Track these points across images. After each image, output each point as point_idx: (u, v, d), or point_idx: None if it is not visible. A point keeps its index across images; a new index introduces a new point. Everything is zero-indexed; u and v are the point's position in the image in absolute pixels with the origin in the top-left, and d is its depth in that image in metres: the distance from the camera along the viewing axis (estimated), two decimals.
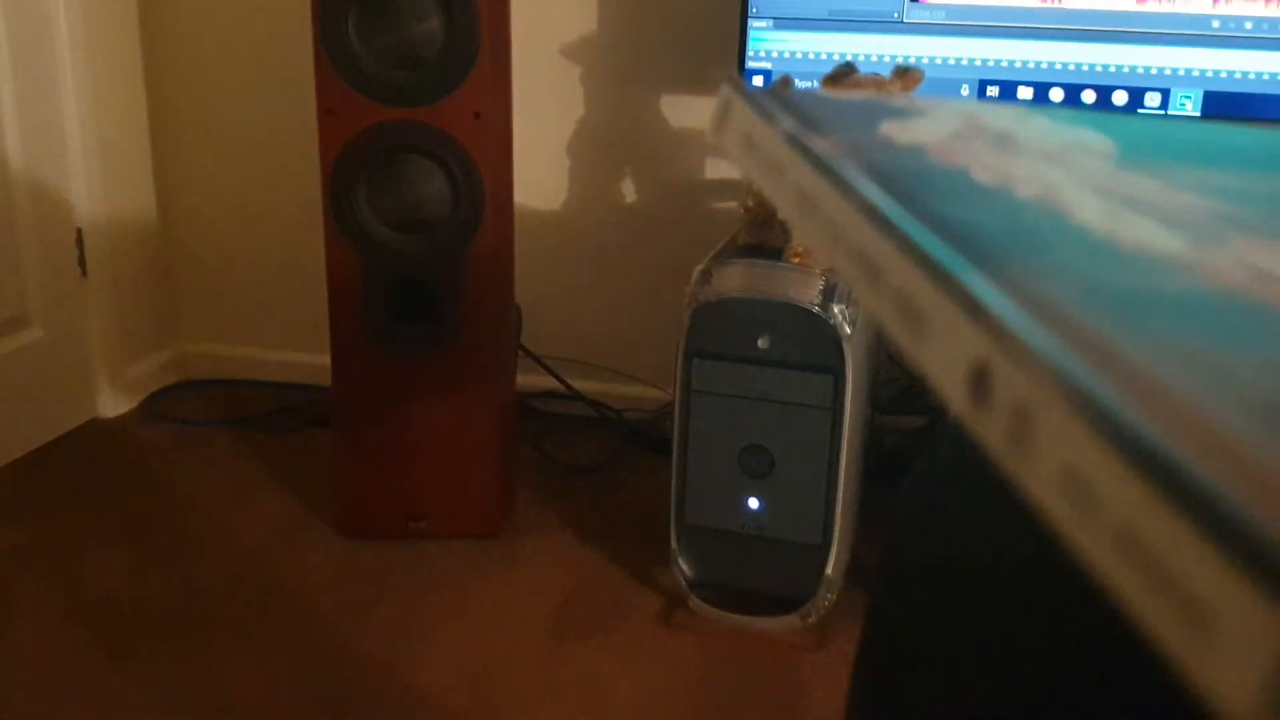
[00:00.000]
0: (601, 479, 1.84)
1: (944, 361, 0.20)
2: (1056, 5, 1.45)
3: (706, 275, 1.39)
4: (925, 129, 0.30)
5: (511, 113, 1.59)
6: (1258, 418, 0.16)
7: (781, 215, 0.28)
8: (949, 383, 0.19)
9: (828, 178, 0.25)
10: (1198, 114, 1.45)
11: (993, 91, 1.50)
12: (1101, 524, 0.16)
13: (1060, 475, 0.16)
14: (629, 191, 1.99)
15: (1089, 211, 0.24)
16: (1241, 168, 0.30)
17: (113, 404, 2.04)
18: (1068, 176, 0.27)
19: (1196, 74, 1.44)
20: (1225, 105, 1.44)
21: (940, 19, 1.49)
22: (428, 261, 1.50)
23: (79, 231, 1.93)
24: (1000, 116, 0.32)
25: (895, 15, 1.51)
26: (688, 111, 1.92)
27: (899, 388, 1.80)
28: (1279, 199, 0.27)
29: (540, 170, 1.99)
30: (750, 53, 1.57)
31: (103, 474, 1.82)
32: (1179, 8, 1.42)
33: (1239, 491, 0.14)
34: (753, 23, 1.55)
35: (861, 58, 1.52)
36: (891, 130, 0.29)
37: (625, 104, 1.94)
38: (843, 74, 1.37)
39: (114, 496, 1.74)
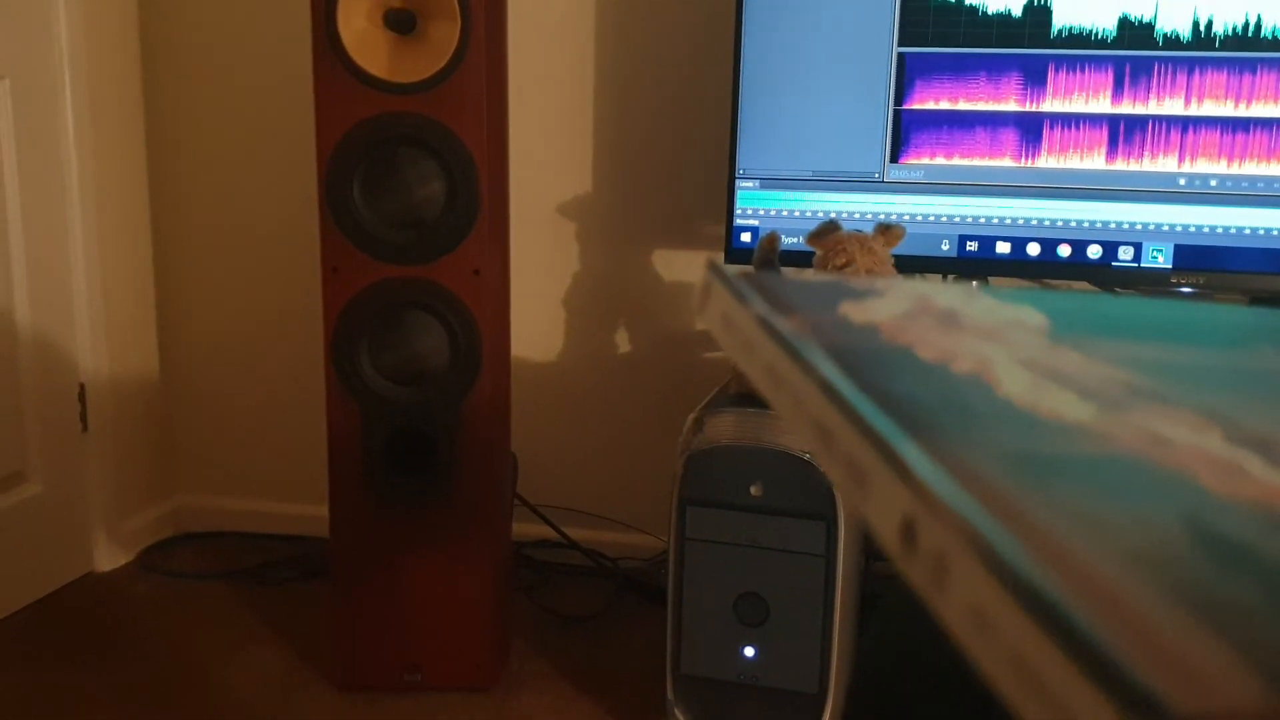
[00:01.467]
0: (597, 628, 1.83)
1: (882, 515, 0.23)
2: (1030, 165, 1.52)
3: (699, 424, 1.42)
4: (880, 309, 0.33)
5: (509, 269, 1.65)
6: (1128, 565, 0.19)
7: (755, 387, 0.31)
8: (886, 532, 0.22)
9: (791, 356, 0.28)
10: (1169, 266, 1.51)
11: (972, 246, 1.56)
12: (999, 651, 0.19)
13: (968, 611, 0.19)
14: (622, 342, 2.04)
15: (1015, 385, 0.28)
16: (1157, 340, 0.33)
17: (109, 558, 2.04)
18: (1001, 352, 0.30)
19: (1166, 228, 1.50)
20: (1195, 258, 1.50)
21: (919, 178, 1.56)
22: (426, 413, 1.53)
23: (81, 387, 1.97)
24: (948, 296, 0.35)
25: (876, 175, 1.58)
26: (679, 266, 1.98)
27: None
28: (1183, 369, 0.30)
29: (537, 323, 2.04)
30: (738, 211, 1.63)
31: (97, 629, 1.81)
32: (1147, 167, 1.49)
33: (1107, 629, 0.17)
34: (740, 183, 1.62)
35: (845, 215, 1.59)
36: (850, 310, 0.33)
37: (619, 259, 2.00)
38: (827, 230, 1.43)
39: (107, 652, 1.73)
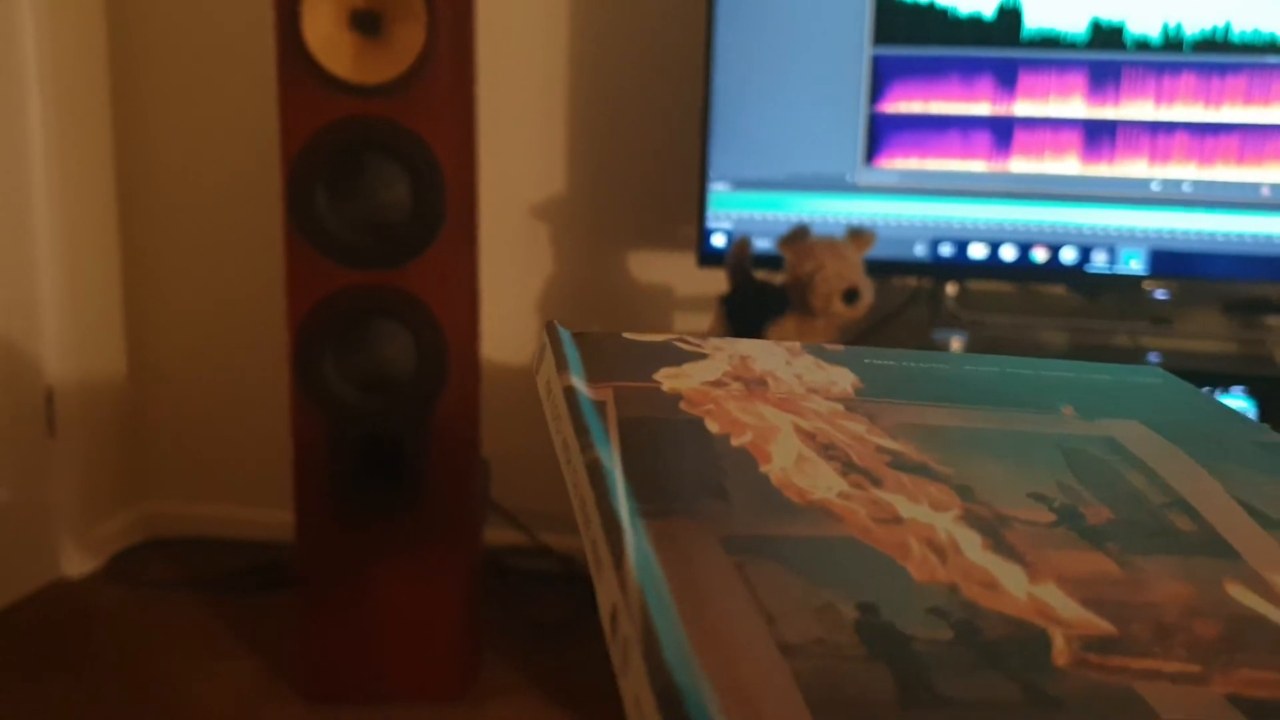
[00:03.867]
0: (569, 636, 1.81)
1: (602, 600, 0.23)
2: (1003, 169, 1.51)
3: None
4: (695, 374, 0.33)
5: (478, 273, 1.63)
6: (781, 662, 0.20)
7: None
8: (604, 616, 0.23)
9: (577, 432, 0.29)
10: (1145, 272, 1.50)
11: (946, 250, 1.55)
12: None
13: (633, 701, 0.20)
14: None
15: (782, 460, 0.28)
16: (962, 403, 0.33)
17: (77, 564, 2.02)
18: (789, 423, 0.31)
19: (1140, 234, 1.49)
20: (1170, 264, 1.49)
21: (893, 181, 1.55)
22: (394, 420, 1.51)
23: (49, 391, 1.94)
24: (768, 359, 0.36)
25: (849, 178, 1.56)
26: (655, 268, 1.96)
27: None
28: (966, 437, 0.30)
29: (511, 326, 2.02)
30: (710, 214, 1.62)
31: (63, 637, 1.79)
32: (1119, 171, 1.48)
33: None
34: (712, 185, 1.61)
35: (818, 219, 1.57)
36: (663, 376, 0.33)
37: (594, 261, 1.99)
38: (797, 236, 1.42)
39: (73, 661, 1.71)
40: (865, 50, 1.52)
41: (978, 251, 1.54)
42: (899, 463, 0.28)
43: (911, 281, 1.78)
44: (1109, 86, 1.47)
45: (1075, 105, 1.48)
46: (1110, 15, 1.46)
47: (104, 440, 2.08)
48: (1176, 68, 1.45)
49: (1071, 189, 1.50)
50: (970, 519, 0.25)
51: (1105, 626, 0.21)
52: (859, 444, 0.29)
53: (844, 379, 0.33)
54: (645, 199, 1.93)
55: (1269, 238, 1.46)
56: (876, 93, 1.53)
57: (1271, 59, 1.43)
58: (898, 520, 0.25)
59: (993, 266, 1.55)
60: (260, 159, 2.01)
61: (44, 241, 1.91)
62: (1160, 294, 1.52)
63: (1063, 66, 1.48)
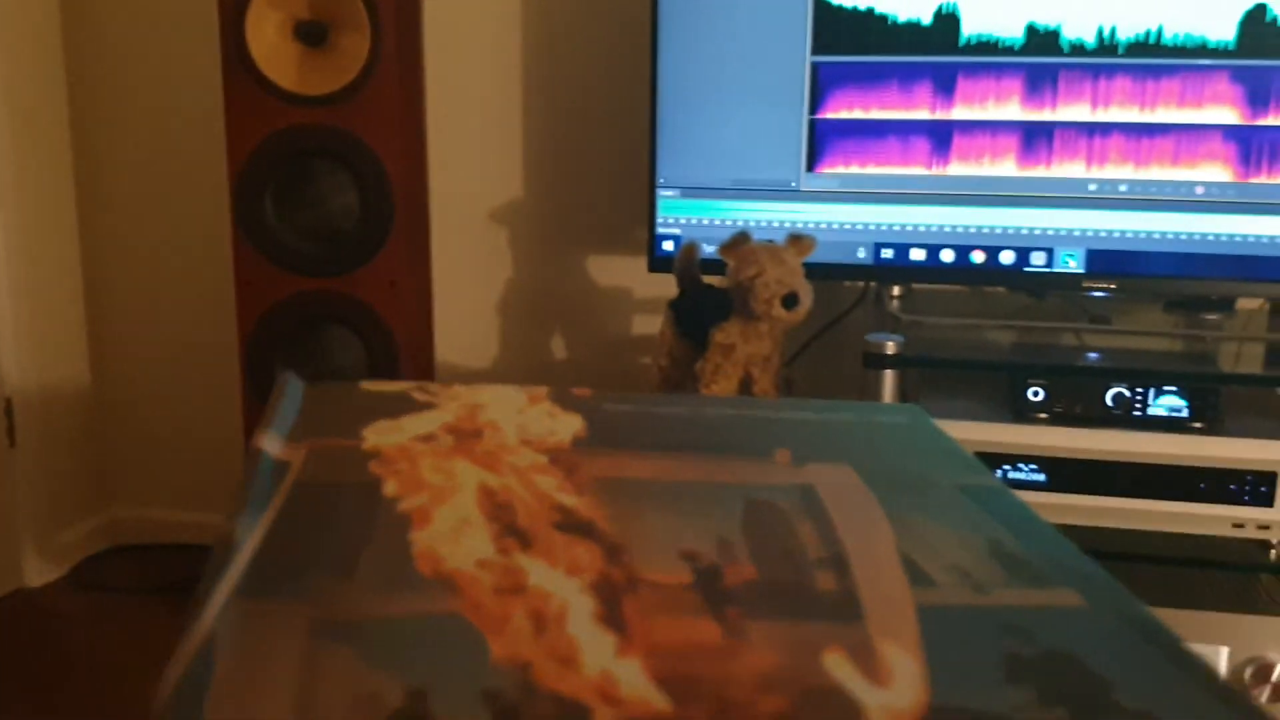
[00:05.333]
0: None
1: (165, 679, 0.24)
2: (942, 173, 1.53)
3: None
4: (408, 429, 0.34)
5: (430, 278, 1.65)
6: None
7: None
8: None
9: (236, 502, 0.30)
10: (1082, 271, 1.52)
11: (887, 253, 1.57)
12: None
13: None
14: (559, 348, 2.04)
15: (442, 522, 0.29)
16: (679, 449, 0.34)
17: (40, 572, 2.03)
18: (478, 479, 0.31)
19: (1078, 234, 1.52)
20: (1107, 262, 1.52)
21: (835, 187, 1.57)
22: None
23: (8, 401, 1.95)
24: (499, 409, 0.36)
25: (793, 184, 1.58)
26: (614, 270, 1.98)
27: None
28: (654, 491, 0.31)
29: (471, 331, 2.04)
30: (660, 220, 1.64)
31: (24, 646, 1.80)
32: (1056, 172, 1.51)
33: None
34: (661, 192, 1.63)
35: (763, 224, 1.59)
36: (373, 432, 0.33)
37: (552, 265, 2.01)
38: (738, 242, 1.44)
39: (34, 671, 1.72)
40: (805, 58, 1.54)
41: (918, 255, 1.57)
42: (566, 522, 0.29)
43: (859, 284, 1.80)
44: (1046, 90, 1.50)
45: (1012, 109, 1.50)
46: (1046, 20, 1.48)
47: (67, 448, 2.09)
48: (1111, 71, 1.48)
49: (1009, 191, 1.52)
50: (599, 585, 0.26)
51: (660, 706, 0.22)
52: (537, 502, 0.30)
53: (569, 428, 0.34)
54: (601, 204, 1.95)
55: (1204, 236, 1.49)
56: (817, 100, 1.55)
57: (1203, 61, 1.46)
58: (519, 590, 0.26)
59: (933, 269, 1.57)
60: (216, 168, 2.02)
61: (2, 251, 1.92)
62: (1098, 293, 1.54)
63: (1000, 71, 1.50)
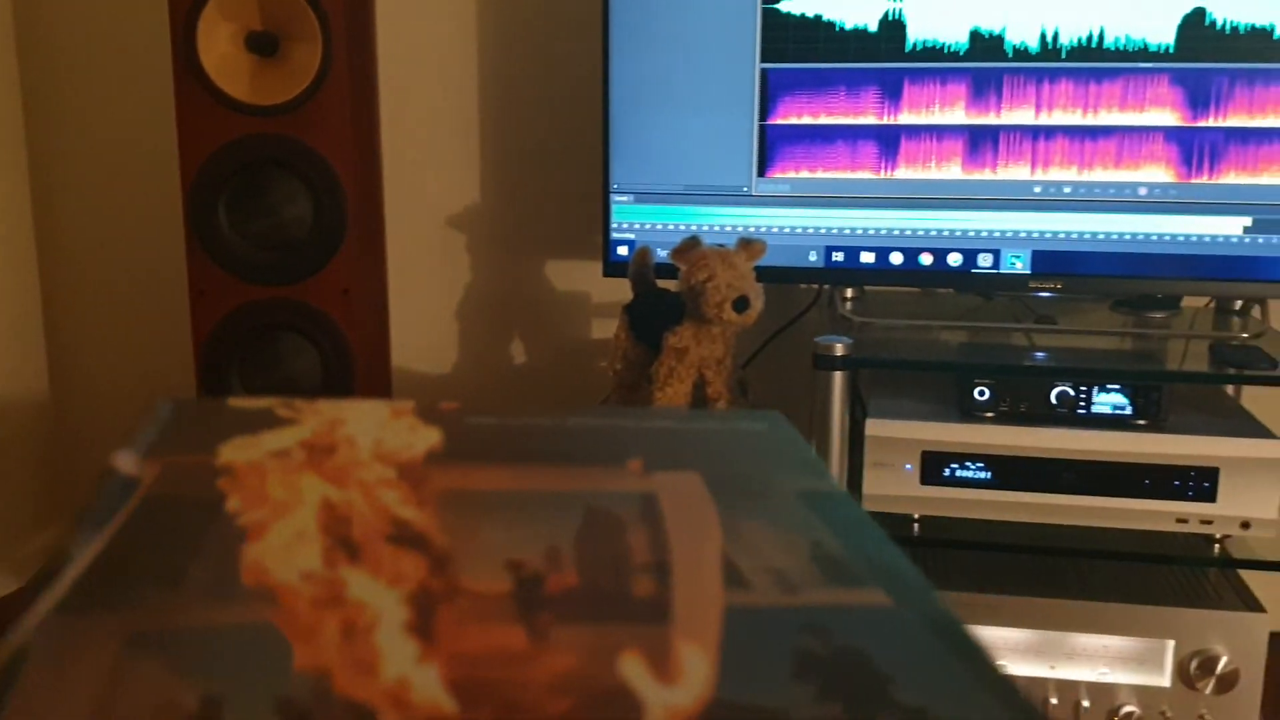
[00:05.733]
0: None
1: None
2: (890, 176, 1.56)
3: None
4: (264, 444, 0.35)
5: (386, 285, 1.65)
6: None
7: None
8: None
9: (76, 520, 0.31)
10: (1027, 272, 1.55)
11: (838, 257, 1.59)
12: None
13: None
14: (518, 354, 2.05)
15: (277, 536, 0.30)
16: (536, 461, 0.35)
17: (1, 583, 2.02)
18: (322, 494, 0.32)
19: (1024, 235, 1.54)
20: (1052, 263, 1.54)
21: (786, 191, 1.59)
22: None
23: None
24: (365, 422, 0.37)
25: (744, 189, 1.60)
26: (572, 275, 2.00)
27: None
28: (495, 502, 0.32)
29: (428, 337, 2.05)
30: (614, 225, 1.65)
31: None
32: (1002, 175, 1.53)
33: None
34: (614, 198, 1.64)
35: (716, 228, 1.61)
36: (230, 448, 0.34)
37: (511, 270, 2.02)
38: (689, 246, 1.45)
39: None
40: (755, 65, 1.56)
41: (868, 257, 1.59)
42: (399, 534, 0.30)
43: (813, 287, 1.82)
44: (990, 94, 1.52)
45: (958, 113, 1.53)
46: (990, 25, 1.51)
47: (26, 457, 2.09)
48: (1054, 75, 1.50)
49: (956, 194, 1.55)
50: (417, 596, 0.27)
51: (448, 709, 0.23)
52: (375, 516, 0.30)
53: (426, 441, 0.35)
54: (557, 210, 1.96)
55: (1147, 236, 1.52)
56: (767, 106, 1.57)
57: (1144, 65, 1.48)
58: (337, 601, 0.27)
59: (882, 271, 1.59)
60: (170, 178, 2.02)
61: None
62: (1044, 293, 1.57)
63: (945, 76, 1.52)
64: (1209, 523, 1.37)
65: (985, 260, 1.56)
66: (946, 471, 1.42)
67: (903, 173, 1.56)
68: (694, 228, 1.62)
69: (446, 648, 0.25)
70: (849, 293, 1.73)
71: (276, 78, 1.47)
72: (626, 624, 0.26)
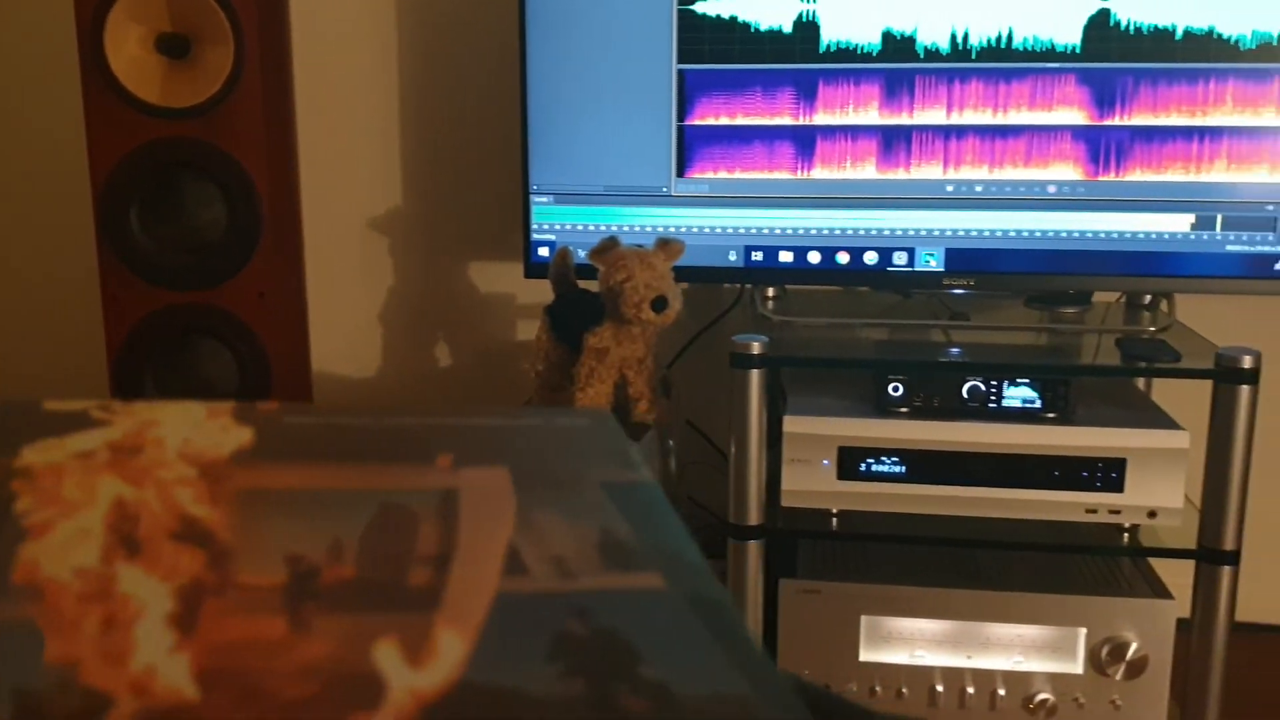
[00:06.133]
0: None
1: None
2: (807, 177, 1.57)
3: None
4: (69, 446, 0.35)
5: (304, 289, 1.64)
6: None
7: None
8: None
9: None
10: (941, 269, 1.57)
11: (757, 256, 1.61)
12: None
13: None
14: (443, 356, 2.05)
15: (61, 535, 0.30)
16: (343, 461, 0.35)
17: None
18: (117, 493, 0.32)
19: (937, 233, 1.57)
20: (965, 260, 1.57)
21: (705, 191, 1.60)
22: None
23: None
24: (180, 423, 0.37)
25: (664, 189, 1.61)
26: (496, 277, 1.99)
27: (708, 530, 1.85)
28: (289, 501, 0.32)
29: (352, 341, 2.03)
30: (535, 226, 1.65)
31: None
32: (915, 174, 1.55)
33: None
34: (534, 199, 1.64)
35: (637, 229, 1.62)
36: (32, 450, 0.34)
37: (434, 272, 2.01)
38: (607, 247, 1.46)
39: None
40: (671, 66, 1.57)
41: (787, 257, 1.60)
42: (185, 532, 0.30)
43: (737, 286, 1.84)
44: (903, 95, 1.54)
45: (871, 114, 1.55)
46: (901, 27, 1.53)
47: None
48: (965, 75, 1.53)
49: (871, 193, 1.57)
50: (187, 590, 0.27)
51: (188, 695, 0.23)
52: (166, 514, 0.31)
53: (236, 440, 0.35)
54: (483, 209, 1.96)
55: (1057, 233, 1.55)
56: (685, 107, 1.58)
57: (1052, 65, 1.51)
58: (104, 596, 0.27)
59: (801, 270, 1.61)
60: (80, 183, 1.99)
61: None
62: (958, 290, 1.59)
63: (859, 77, 1.54)
64: (1117, 512, 1.40)
65: (900, 258, 1.58)
66: (863, 466, 1.44)
67: (819, 173, 1.58)
68: (615, 228, 1.62)
69: (204, 638, 0.25)
70: (770, 292, 1.75)
71: (188, 80, 1.46)
72: (392, 612, 0.26)
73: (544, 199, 1.65)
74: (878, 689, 1.46)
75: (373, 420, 0.37)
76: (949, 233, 1.57)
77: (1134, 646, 1.41)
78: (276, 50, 1.53)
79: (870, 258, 1.59)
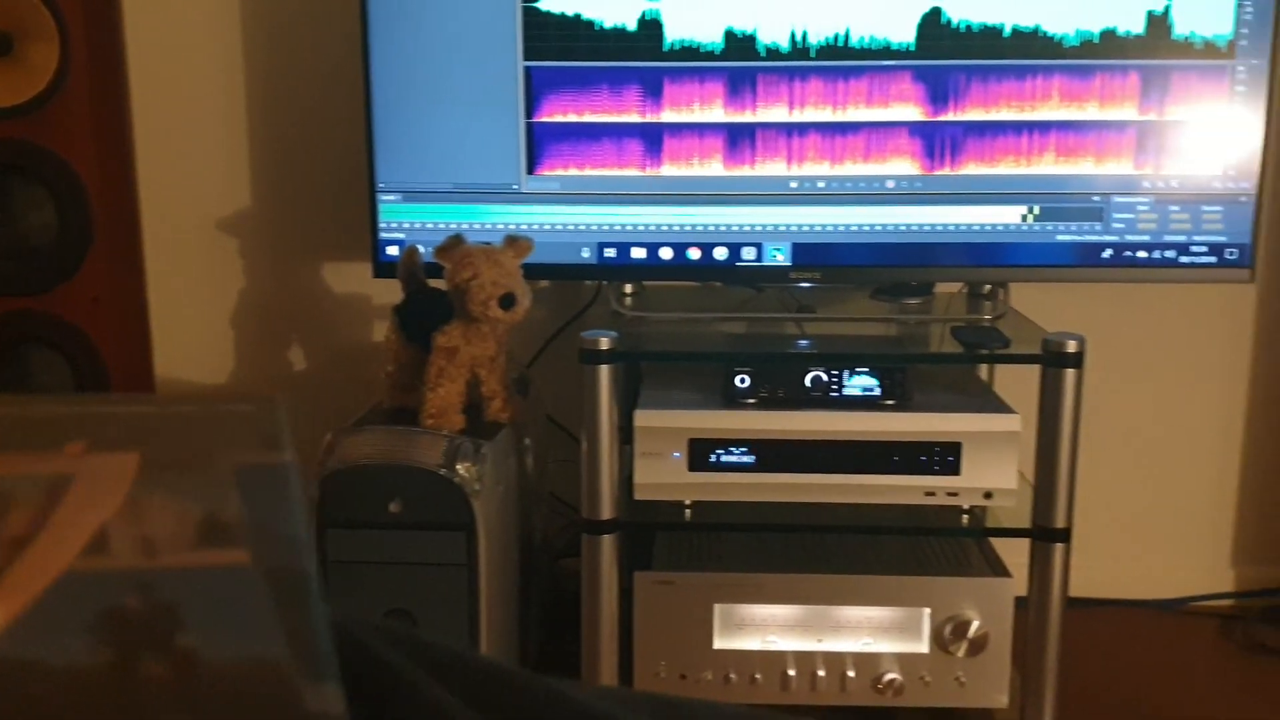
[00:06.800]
0: None
1: None
2: (655, 174, 1.59)
3: (332, 444, 1.42)
4: None
5: (144, 293, 1.60)
6: None
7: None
8: None
9: None
10: (789, 264, 1.61)
11: (610, 253, 1.62)
12: None
13: None
14: (298, 359, 2.01)
15: None
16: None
17: None
18: None
19: (784, 228, 1.60)
20: (811, 254, 1.60)
21: (555, 189, 1.61)
22: None
23: None
24: None
25: (514, 186, 1.61)
26: (350, 277, 1.96)
27: (571, 526, 1.86)
28: None
29: (202, 345, 1.98)
30: (383, 224, 1.64)
31: None
32: (760, 171, 1.58)
33: None
34: (382, 197, 1.63)
35: (488, 226, 1.61)
36: None
37: (285, 273, 1.97)
38: (452, 245, 1.45)
39: None
40: (518, 63, 1.57)
41: (639, 253, 1.62)
42: None
43: (596, 284, 1.85)
44: (746, 93, 1.57)
45: (716, 111, 1.57)
46: (743, 26, 1.56)
47: None
48: (805, 73, 1.56)
49: (719, 190, 1.59)
50: None
51: None
52: None
53: None
54: (335, 209, 1.93)
55: (897, 226, 1.59)
56: (532, 104, 1.58)
57: (888, 63, 1.56)
58: None
59: (653, 267, 1.62)
60: None
61: None
62: (805, 284, 1.63)
63: (703, 75, 1.56)
64: (955, 495, 1.45)
65: (749, 253, 1.61)
66: (713, 458, 1.46)
67: (668, 169, 1.59)
68: (465, 226, 1.62)
69: None
70: (629, 288, 1.76)
71: (11, 79, 1.40)
72: None
73: (391, 197, 1.63)
74: (732, 676, 1.48)
75: (18, 409, 0.37)
76: (795, 228, 1.60)
77: (975, 624, 1.46)
78: (108, 48, 1.48)
79: (720, 253, 1.61)
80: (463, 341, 1.47)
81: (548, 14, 1.56)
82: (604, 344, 1.42)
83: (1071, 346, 1.39)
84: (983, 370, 1.80)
